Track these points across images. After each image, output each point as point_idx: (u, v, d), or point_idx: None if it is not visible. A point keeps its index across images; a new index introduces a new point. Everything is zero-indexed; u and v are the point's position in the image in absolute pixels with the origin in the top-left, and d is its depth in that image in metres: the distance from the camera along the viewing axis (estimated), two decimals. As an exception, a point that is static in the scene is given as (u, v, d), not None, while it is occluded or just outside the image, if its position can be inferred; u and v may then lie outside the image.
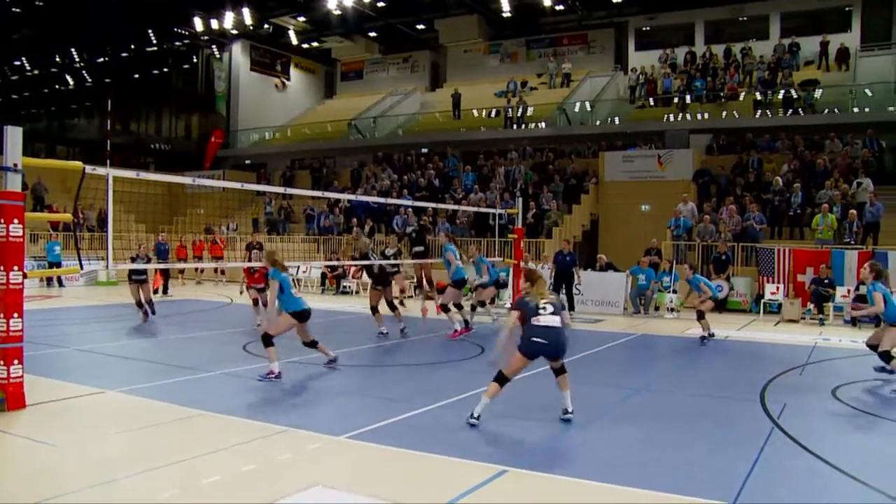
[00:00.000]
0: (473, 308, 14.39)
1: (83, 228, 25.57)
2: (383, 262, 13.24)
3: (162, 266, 20.81)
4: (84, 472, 5.39)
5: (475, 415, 6.76)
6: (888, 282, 9.82)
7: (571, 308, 13.71)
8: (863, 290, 15.79)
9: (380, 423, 6.77)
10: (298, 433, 6.44)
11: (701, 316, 13.23)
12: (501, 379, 6.87)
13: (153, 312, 14.70)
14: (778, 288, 18.20)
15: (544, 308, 6.93)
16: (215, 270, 25.60)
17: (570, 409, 7.05)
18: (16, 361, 7.04)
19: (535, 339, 6.86)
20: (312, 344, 9.62)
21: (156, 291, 20.71)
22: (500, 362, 6.93)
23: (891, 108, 24.14)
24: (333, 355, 9.74)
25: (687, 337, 14.00)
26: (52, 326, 13.29)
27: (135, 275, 14.63)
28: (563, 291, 17.50)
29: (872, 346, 9.81)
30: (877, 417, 7.65)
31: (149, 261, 15.58)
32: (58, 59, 40.41)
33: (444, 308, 13.12)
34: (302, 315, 9.25)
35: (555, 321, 6.92)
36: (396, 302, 13.94)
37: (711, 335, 13.25)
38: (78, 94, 40.64)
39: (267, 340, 8.93)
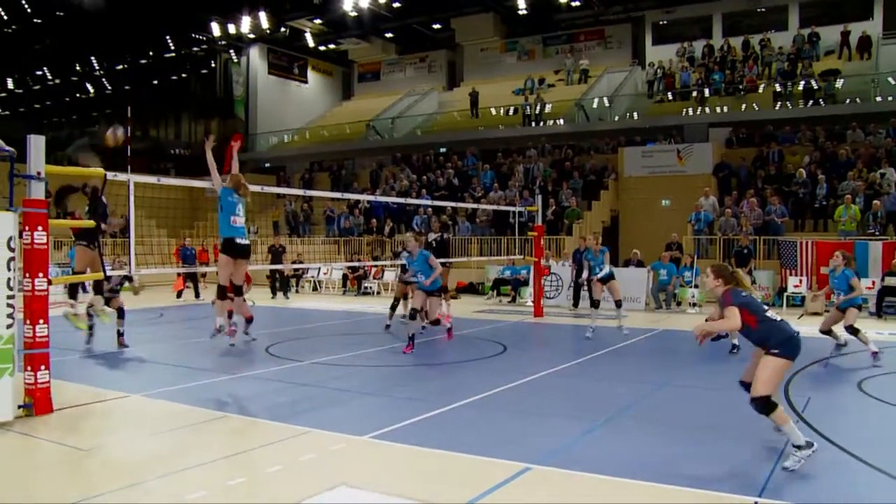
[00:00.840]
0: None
1: (106, 235, 25.78)
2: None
3: (184, 270, 20.97)
4: (111, 474, 5.45)
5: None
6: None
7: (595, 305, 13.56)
8: (889, 281, 15.83)
9: (402, 422, 6.79)
10: (322, 434, 6.48)
11: (854, 331, 10.60)
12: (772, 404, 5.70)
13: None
14: (801, 281, 18.04)
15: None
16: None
17: None
18: (42, 367, 7.13)
19: (794, 335, 5.79)
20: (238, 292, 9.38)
21: (179, 295, 20.94)
22: (762, 388, 5.72)
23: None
24: (232, 325, 9.73)
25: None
26: (77, 332, 13.41)
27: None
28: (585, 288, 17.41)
29: (826, 332, 10.56)
30: (904, 410, 7.56)
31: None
32: (78, 68, 40.94)
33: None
34: (232, 247, 8.78)
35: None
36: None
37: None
38: (98, 101, 41.12)
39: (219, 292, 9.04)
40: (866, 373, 9.42)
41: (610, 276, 13.11)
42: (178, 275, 22.35)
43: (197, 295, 21.30)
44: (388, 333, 13.19)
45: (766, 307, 5.96)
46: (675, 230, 20.49)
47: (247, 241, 9.44)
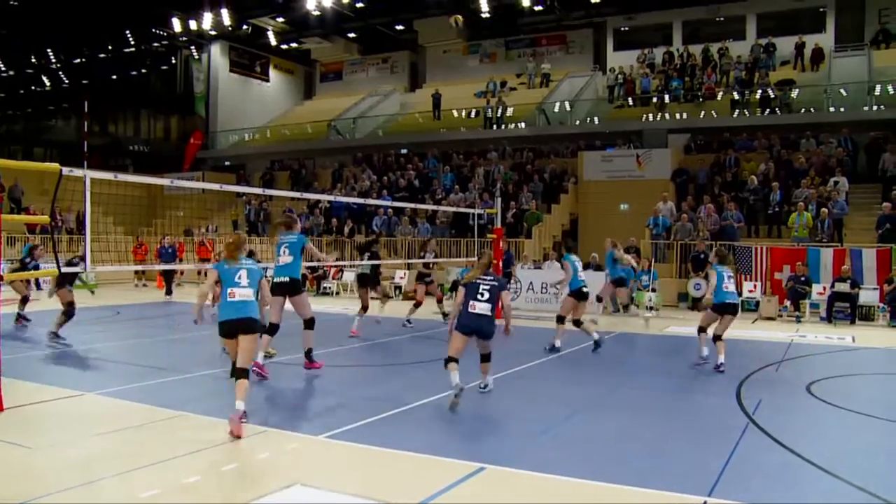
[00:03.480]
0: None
1: (62, 231, 25.35)
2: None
3: (163, 267, 21.07)
4: (62, 473, 5.38)
5: None
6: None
7: None
8: (839, 287, 16.25)
9: (359, 422, 6.81)
10: (278, 433, 6.47)
11: (701, 330, 10.93)
12: None
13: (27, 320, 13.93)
14: (755, 286, 18.40)
15: None
16: (198, 273, 25.47)
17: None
18: (-7, 364, 7.01)
19: None
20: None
21: (168, 293, 20.84)
22: None
23: (865, 108, 24.44)
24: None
25: (665, 335, 14.14)
26: (29, 329, 13.19)
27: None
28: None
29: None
30: (850, 412, 7.77)
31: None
32: (34, 60, 40.02)
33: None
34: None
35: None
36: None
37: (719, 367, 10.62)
38: (55, 95, 40.28)
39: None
40: (816, 376, 9.66)
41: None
42: (158, 273, 22.37)
43: (169, 292, 21.06)
44: (346, 333, 13.15)
45: None
46: (634, 234, 20.74)
47: (281, 278, 9.30)
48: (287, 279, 9.27)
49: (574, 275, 11.68)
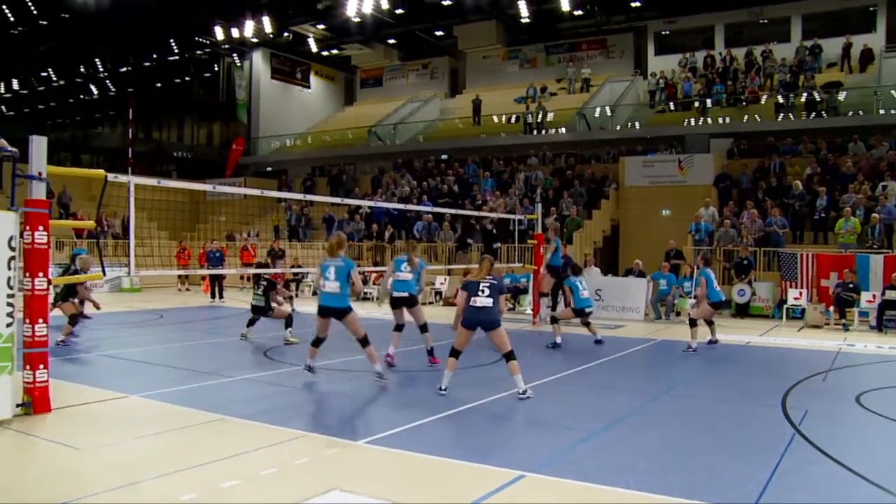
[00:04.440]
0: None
1: (108, 236, 25.85)
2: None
3: (212, 272, 21.45)
4: (105, 474, 5.45)
5: None
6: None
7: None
8: (890, 294, 15.84)
9: (398, 428, 6.80)
10: (317, 438, 6.49)
11: (693, 323, 12.80)
12: None
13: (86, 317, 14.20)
14: (801, 293, 18.03)
15: None
16: (241, 277, 25.77)
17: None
18: (41, 366, 7.15)
19: None
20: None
21: (213, 296, 21.23)
22: None
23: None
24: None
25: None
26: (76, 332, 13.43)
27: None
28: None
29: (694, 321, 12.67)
30: (900, 423, 7.55)
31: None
32: (82, 70, 41.01)
33: None
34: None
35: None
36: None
37: (713, 342, 13.32)
38: (101, 103, 41.19)
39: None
40: (866, 386, 9.42)
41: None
42: (203, 278, 22.70)
43: (221, 296, 21.36)
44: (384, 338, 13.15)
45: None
46: (675, 240, 20.50)
47: (330, 304, 8.86)
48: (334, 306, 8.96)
49: (576, 295, 12.94)
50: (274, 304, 12.76)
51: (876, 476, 5.58)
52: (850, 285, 16.76)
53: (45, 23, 35.45)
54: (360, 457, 6.03)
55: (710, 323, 13.20)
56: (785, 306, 17.89)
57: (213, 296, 21.55)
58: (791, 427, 7.14)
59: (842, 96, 25.99)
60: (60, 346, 11.51)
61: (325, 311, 8.87)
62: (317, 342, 9.10)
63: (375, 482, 5.42)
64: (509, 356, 8.21)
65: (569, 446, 6.49)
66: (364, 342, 8.88)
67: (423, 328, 10.80)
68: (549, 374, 9.78)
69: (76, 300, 12.62)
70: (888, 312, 15.97)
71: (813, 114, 25.71)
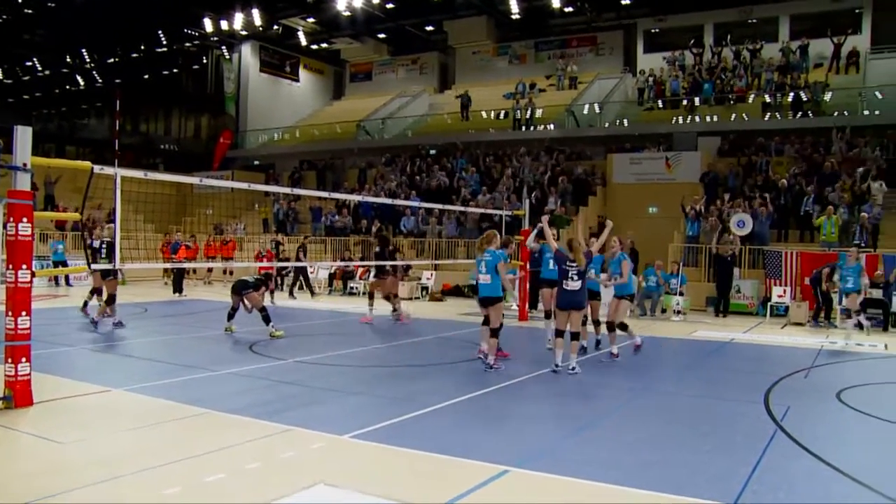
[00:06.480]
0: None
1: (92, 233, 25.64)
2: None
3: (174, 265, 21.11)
4: (88, 469, 5.42)
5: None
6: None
7: None
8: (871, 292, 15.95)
9: (383, 422, 6.80)
10: (302, 432, 6.48)
11: (611, 328, 11.30)
12: None
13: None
14: (785, 291, 18.15)
15: None
16: (224, 271, 25.66)
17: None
18: (23, 359, 7.10)
19: None
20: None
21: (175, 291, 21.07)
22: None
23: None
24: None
25: (693, 339, 14.00)
26: (59, 325, 13.38)
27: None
28: None
29: (611, 325, 11.24)
30: (881, 420, 7.62)
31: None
32: (68, 60, 40.71)
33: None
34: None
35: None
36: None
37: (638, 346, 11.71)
38: (88, 94, 40.92)
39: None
40: (847, 383, 9.49)
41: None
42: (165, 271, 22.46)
43: (180, 291, 21.22)
44: (374, 335, 13.18)
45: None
46: (662, 237, 20.56)
47: (485, 294, 9.97)
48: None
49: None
50: (247, 303, 12.80)
51: (856, 472, 5.64)
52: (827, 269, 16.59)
53: (30, 11, 35.11)
54: (345, 451, 6.03)
55: (623, 326, 11.52)
56: (769, 304, 18.02)
57: (175, 290, 21.28)
58: (773, 423, 7.20)
59: (827, 96, 26.13)
60: (91, 325, 12.04)
61: (482, 301, 10.03)
62: (486, 321, 10.00)
63: (360, 477, 5.42)
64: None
65: (553, 442, 6.52)
66: (494, 333, 9.80)
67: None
68: (533, 370, 9.81)
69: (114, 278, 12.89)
70: (870, 310, 16.09)
71: (799, 113, 25.84)
